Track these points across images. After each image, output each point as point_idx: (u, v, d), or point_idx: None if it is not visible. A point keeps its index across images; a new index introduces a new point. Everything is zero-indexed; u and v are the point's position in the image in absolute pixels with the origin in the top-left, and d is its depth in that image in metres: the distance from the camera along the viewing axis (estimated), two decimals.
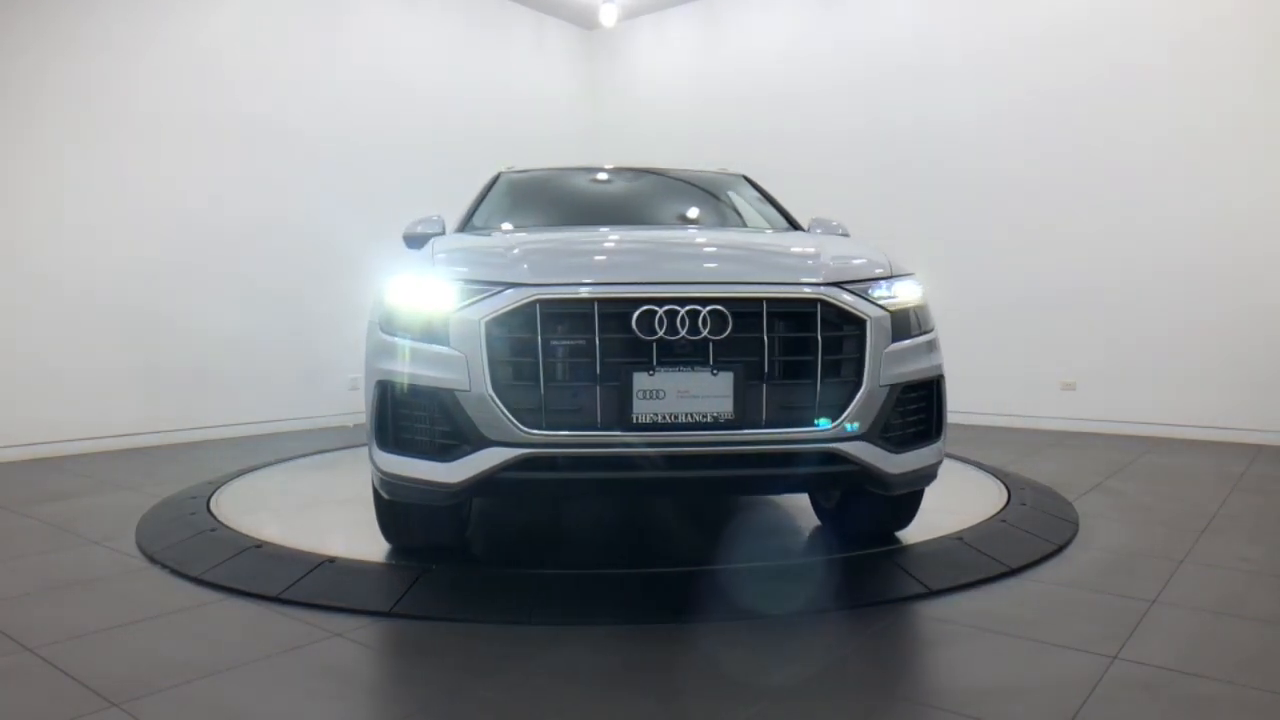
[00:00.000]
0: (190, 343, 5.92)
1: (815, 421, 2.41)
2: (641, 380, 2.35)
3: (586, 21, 8.92)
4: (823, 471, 2.47)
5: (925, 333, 2.72)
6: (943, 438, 2.74)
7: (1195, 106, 5.84)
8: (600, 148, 8.88)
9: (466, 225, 3.78)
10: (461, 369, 2.40)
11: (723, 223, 3.91)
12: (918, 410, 2.64)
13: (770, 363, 2.40)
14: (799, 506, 3.70)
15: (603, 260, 2.77)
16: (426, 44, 7.60)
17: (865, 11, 7.32)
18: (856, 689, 2.01)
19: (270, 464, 4.81)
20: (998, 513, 3.50)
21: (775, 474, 2.48)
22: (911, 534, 3.16)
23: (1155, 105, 5.99)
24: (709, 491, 2.86)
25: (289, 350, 6.47)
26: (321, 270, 6.59)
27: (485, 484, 2.41)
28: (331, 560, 2.91)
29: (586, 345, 2.38)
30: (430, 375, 2.44)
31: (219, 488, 4.09)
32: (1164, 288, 5.98)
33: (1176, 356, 5.94)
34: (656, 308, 2.36)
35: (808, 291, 2.46)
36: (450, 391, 2.40)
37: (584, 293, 2.41)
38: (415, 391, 2.47)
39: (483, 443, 2.38)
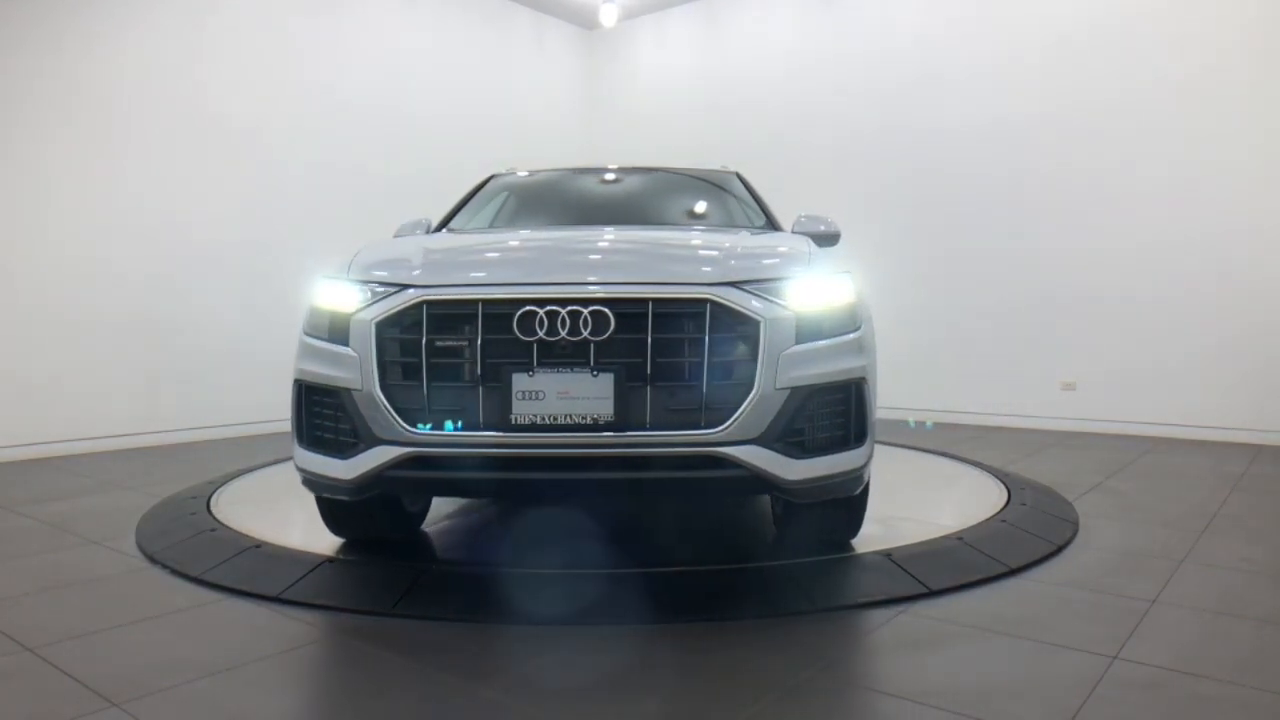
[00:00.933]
0: (190, 342, 5.92)
1: (701, 425, 2.34)
2: (521, 381, 2.35)
3: (586, 21, 8.92)
4: (710, 476, 2.38)
5: (848, 333, 2.58)
6: (866, 443, 2.60)
7: (1195, 107, 5.84)
8: (600, 147, 8.88)
9: (443, 226, 3.86)
10: (356, 369, 2.47)
11: (700, 221, 3.84)
12: (830, 415, 2.50)
13: (654, 364, 2.34)
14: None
15: (496, 262, 2.75)
16: (426, 44, 7.60)
17: (865, 11, 7.32)
18: (856, 688, 2.01)
19: (270, 464, 4.81)
20: (998, 513, 3.50)
21: (657, 478, 2.41)
22: (911, 534, 3.16)
23: (1156, 107, 5.99)
24: (591, 494, 2.78)
25: (289, 350, 6.42)
26: (321, 269, 6.57)
27: (375, 481, 2.46)
28: (331, 560, 2.91)
29: (469, 346, 2.40)
30: (332, 375, 2.54)
31: (219, 488, 4.09)
32: (1164, 288, 5.98)
33: (1176, 356, 5.94)
34: (538, 309, 2.36)
35: (696, 292, 2.38)
36: (347, 391, 2.48)
37: (468, 294, 2.44)
38: (322, 390, 2.58)
39: (373, 441, 2.43)
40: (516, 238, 3.18)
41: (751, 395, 2.34)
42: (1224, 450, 5.41)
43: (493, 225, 3.92)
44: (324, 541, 3.23)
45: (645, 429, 2.34)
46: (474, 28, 8.03)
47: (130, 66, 5.72)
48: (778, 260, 2.64)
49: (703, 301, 2.37)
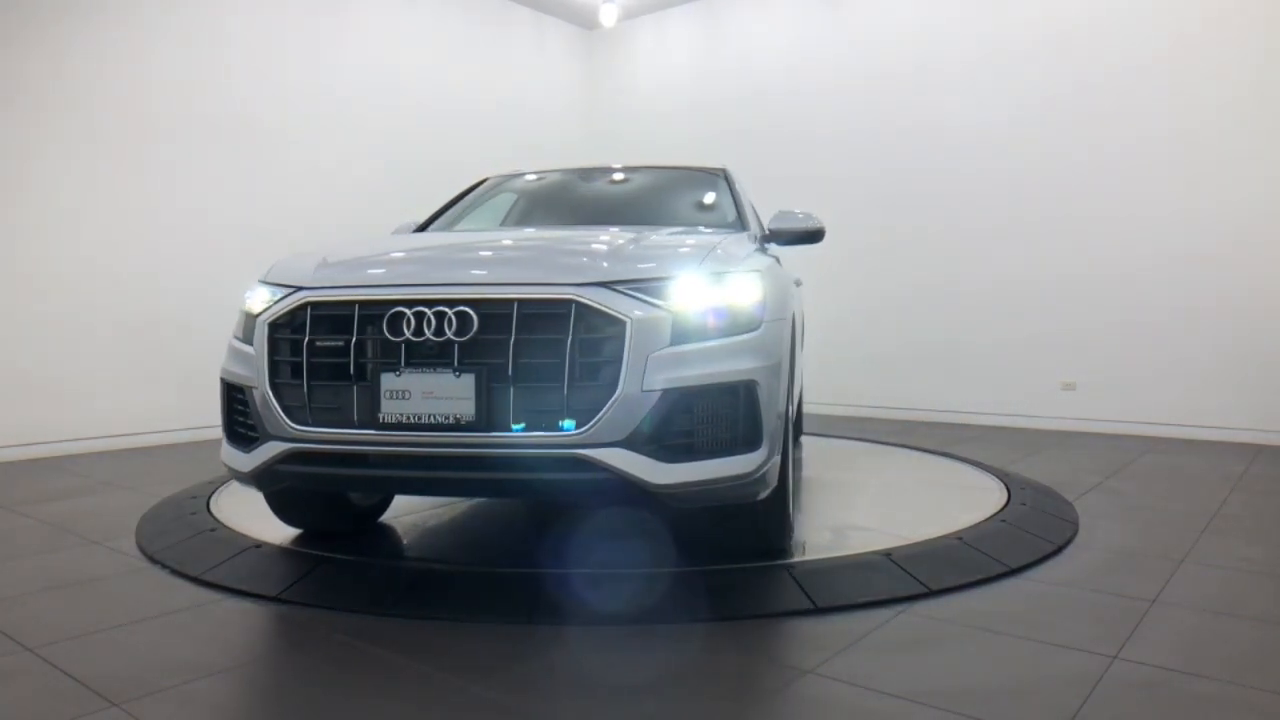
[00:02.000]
0: (190, 342, 5.91)
1: (563, 426, 2.31)
2: (389, 381, 2.40)
3: (586, 21, 8.92)
4: (572, 478, 2.35)
5: (741, 334, 2.49)
6: (760, 449, 2.47)
7: (1196, 107, 5.84)
8: (600, 147, 8.88)
9: (424, 228, 3.95)
10: (254, 367, 2.59)
11: (670, 219, 3.77)
12: (713, 418, 2.41)
13: (517, 365, 2.34)
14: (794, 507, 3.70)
15: (382, 265, 2.76)
16: (426, 44, 7.61)
17: (865, 11, 7.32)
18: (857, 688, 2.01)
19: None
20: (998, 513, 3.50)
21: (518, 478, 2.41)
22: (912, 534, 3.16)
23: (1156, 106, 5.99)
24: (458, 492, 2.80)
25: None
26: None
27: (267, 474, 2.58)
28: (331, 560, 2.91)
29: (344, 346, 2.46)
30: (240, 373, 2.68)
31: (219, 488, 4.09)
32: (1165, 288, 5.99)
33: (1176, 356, 5.95)
34: (406, 310, 2.40)
35: (560, 293, 2.36)
36: (250, 388, 2.61)
37: (345, 296, 2.51)
38: (235, 387, 2.72)
39: (266, 436, 2.56)
40: (419, 241, 3.15)
41: (614, 397, 2.30)
42: (1224, 450, 5.41)
43: (473, 226, 3.98)
44: (324, 542, 3.23)
45: (509, 430, 2.34)
46: (474, 28, 8.03)
47: (128, 67, 5.72)
48: (662, 260, 2.56)
49: (567, 302, 2.35)
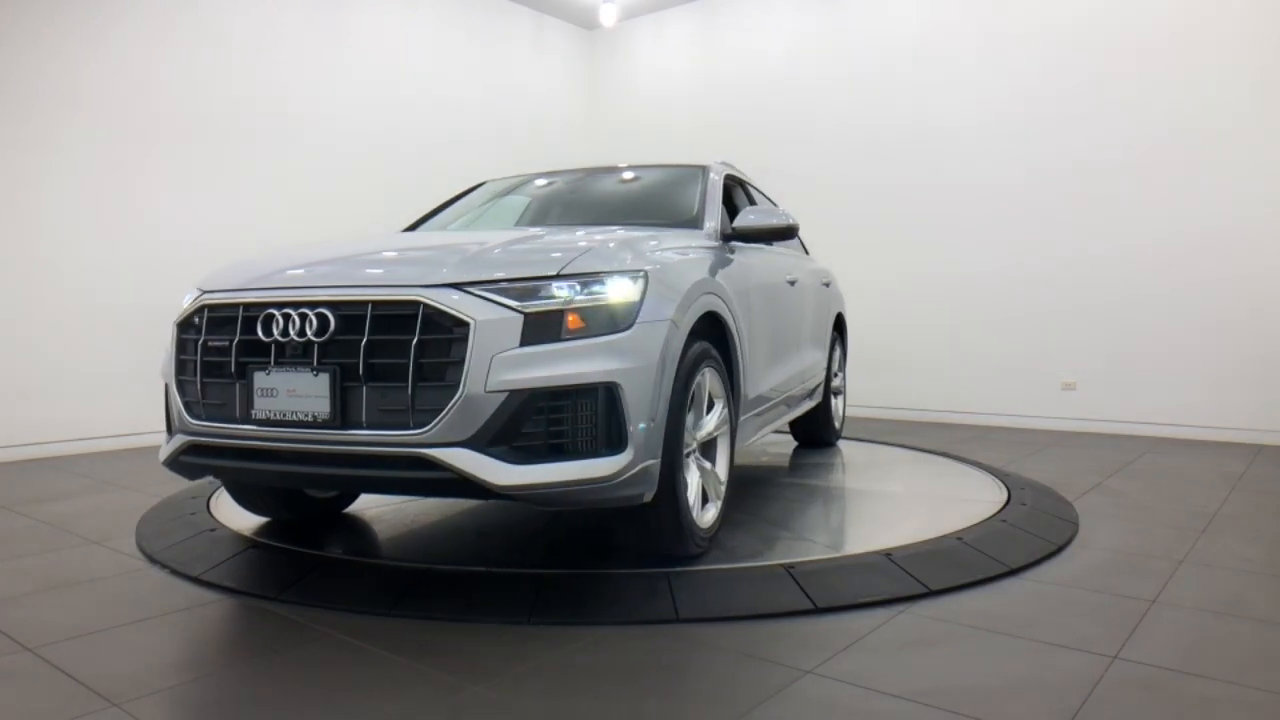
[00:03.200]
0: None
1: (410, 426, 2.35)
2: (260, 379, 2.52)
3: (586, 21, 8.92)
4: (418, 477, 2.40)
5: (606, 334, 2.46)
6: (623, 452, 2.42)
7: (1197, 108, 5.85)
8: (600, 147, 8.88)
9: (411, 229, 4.06)
10: (169, 364, 2.80)
11: (639, 218, 3.73)
12: (568, 420, 2.39)
13: (368, 365, 2.39)
14: (794, 506, 3.70)
15: (271, 268, 2.81)
16: (426, 44, 7.61)
17: (865, 11, 7.32)
18: (856, 688, 2.01)
19: None
20: (998, 513, 3.50)
21: (368, 475, 2.46)
22: (911, 534, 3.16)
23: (1158, 106, 5.99)
24: (320, 486, 2.92)
25: None
26: None
27: (173, 464, 2.78)
28: (331, 560, 2.91)
29: (228, 346, 2.60)
30: (162, 370, 2.89)
31: (219, 488, 4.09)
32: (1164, 288, 5.99)
33: (1176, 356, 5.95)
34: (276, 311, 2.52)
35: (408, 294, 2.40)
36: (165, 384, 2.84)
37: (230, 298, 2.65)
38: (166, 384, 2.88)
39: (174, 429, 2.77)
40: (314, 247, 3.19)
41: (456, 398, 2.32)
42: (1224, 450, 5.42)
43: (453, 226, 4.08)
44: (324, 542, 3.23)
45: (362, 428, 2.39)
46: (474, 28, 8.03)
47: (128, 67, 5.72)
48: (521, 261, 2.57)
49: (415, 304, 2.39)
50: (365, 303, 2.44)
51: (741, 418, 3.33)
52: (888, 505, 3.89)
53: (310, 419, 2.44)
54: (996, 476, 4.29)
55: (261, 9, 6.42)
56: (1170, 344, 5.97)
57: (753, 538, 3.18)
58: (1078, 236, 6.30)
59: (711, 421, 3.00)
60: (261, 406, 2.50)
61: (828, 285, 5.10)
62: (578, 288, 2.48)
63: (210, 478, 4.33)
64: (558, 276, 2.47)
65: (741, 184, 4.38)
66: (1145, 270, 6.05)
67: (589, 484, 2.39)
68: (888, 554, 2.90)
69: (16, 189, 5.27)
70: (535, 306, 2.41)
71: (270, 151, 6.45)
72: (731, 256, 3.43)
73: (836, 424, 5.39)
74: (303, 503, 3.43)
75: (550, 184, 4.32)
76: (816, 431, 5.22)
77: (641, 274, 2.61)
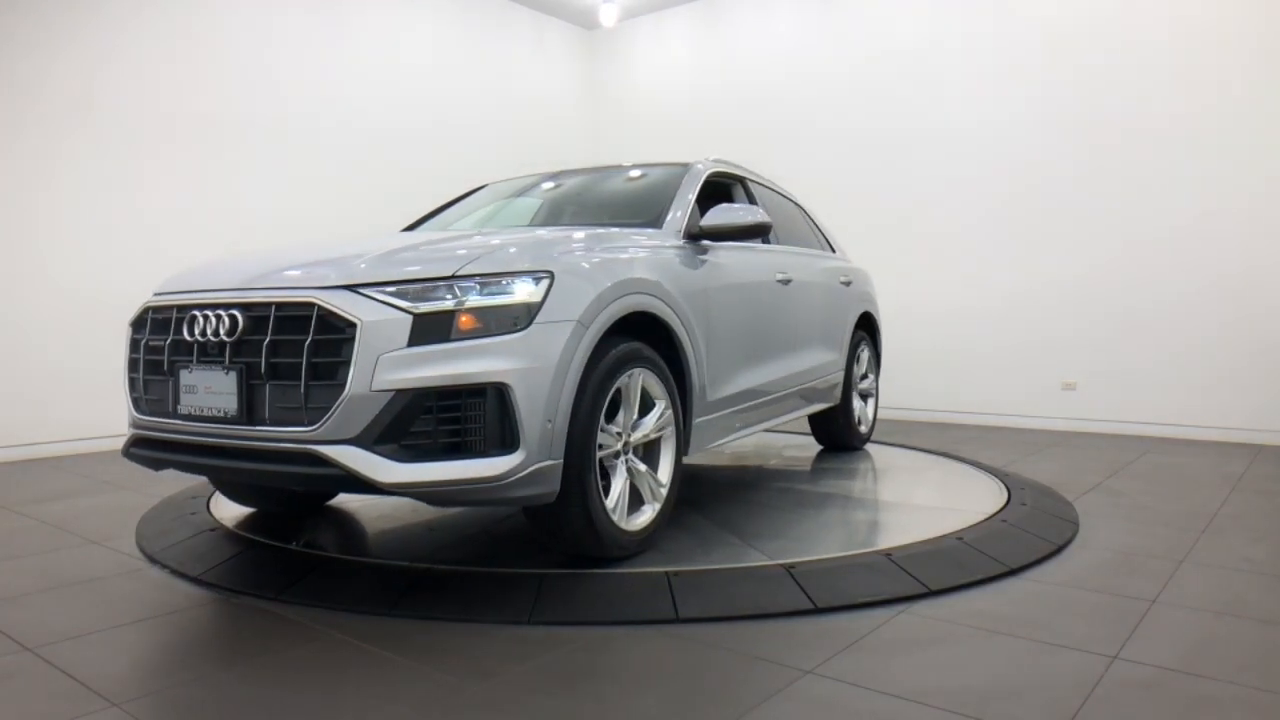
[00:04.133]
0: None
1: (304, 423, 2.42)
2: (185, 376, 2.66)
3: (586, 21, 8.92)
4: (310, 472, 2.45)
5: (498, 335, 2.46)
6: (516, 452, 2.43)
7: (1197, 108, 5.85)
8: (600, 148, 8.88)
9: (410, 229, 4.13)
10: (124, 362, 2.95)
11: (617, 217, 3.74)
12: (456, 419, 2.42)
13: (269, 364, 2.48)
14: (792, 505, 3.70)
15: (205, 270, 2.93)
16: (426, 44, 7.61)
17: (865, 11, 7.33)
18: (857, 688, 2.01)
19: None
20: (998, 513, 3.50)
21: (268, 469, 2.54)
22: (911, 534, 3.16)
23: (1157, 106, 5.99)
24: (231, 478, 3.05)
25: None
26: None
27: (127, 455, 2.91)
28: (331, 560, 2.91)
29: (163, 345, 2.75)
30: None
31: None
32: (1164, 288, 5.99)
33: (1176, 356, 5.95)
34: (198, 313, 2.65)
35: (303, 295, 2.48)
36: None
37: (166, 301, 2.81)
38: None
39: (130, 422, 2.91)
40: (251, 251, 3.31)
41: (342, 396, 2.36)
42: (1224, 450, 5.42)
43: (441, 227, 4.13)
44: (324, 542, 3.23)
45: (265, 424, 2.49)
46: (474, 28, 8.03)
47: (128, 68, 5.72)
48: (416, 262, 2.60)
49: (310, 305, 2.46)
50: (269, 304, 2.53)
51: (699, 419, 3.28)
52: (887, 505, 3.89)
53: (222, 415, 2.56)
54: (996, 476, 4.29)
55: (261, 9, 6.42)
56: (1170, 344, 5.97)
57: (751, 536, 3.18)
58: (1078, 237, 6.30)
59: (649, 423, 2.98)
60: (186, 402, 2.65)
61: (847, 284, 4.95)
62: (473, 289, 2.49)
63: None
64: (452, 278, 2.49)
65: (741, 180, 4.31)
66: (1145, 270, 6.04)
67: (478, 483, 2.41)
68: (888, 554, 2.90)
69: (16, 189, 5.27)
70: (426, 307, 2.43)
71: (269, 152, 6.45)
72: (692, 256, 3.37)
73: (863, 428, 5.22)
74: (285, 496, 3.57)
75: (540, 186, 4.35)
76: (836, 434, 5.08)
77: (546, 275, 2.60)
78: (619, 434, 2.86)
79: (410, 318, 2.40)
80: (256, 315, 2.54)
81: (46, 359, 5.34)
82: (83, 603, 2.66)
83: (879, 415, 5.67)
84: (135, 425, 2.86)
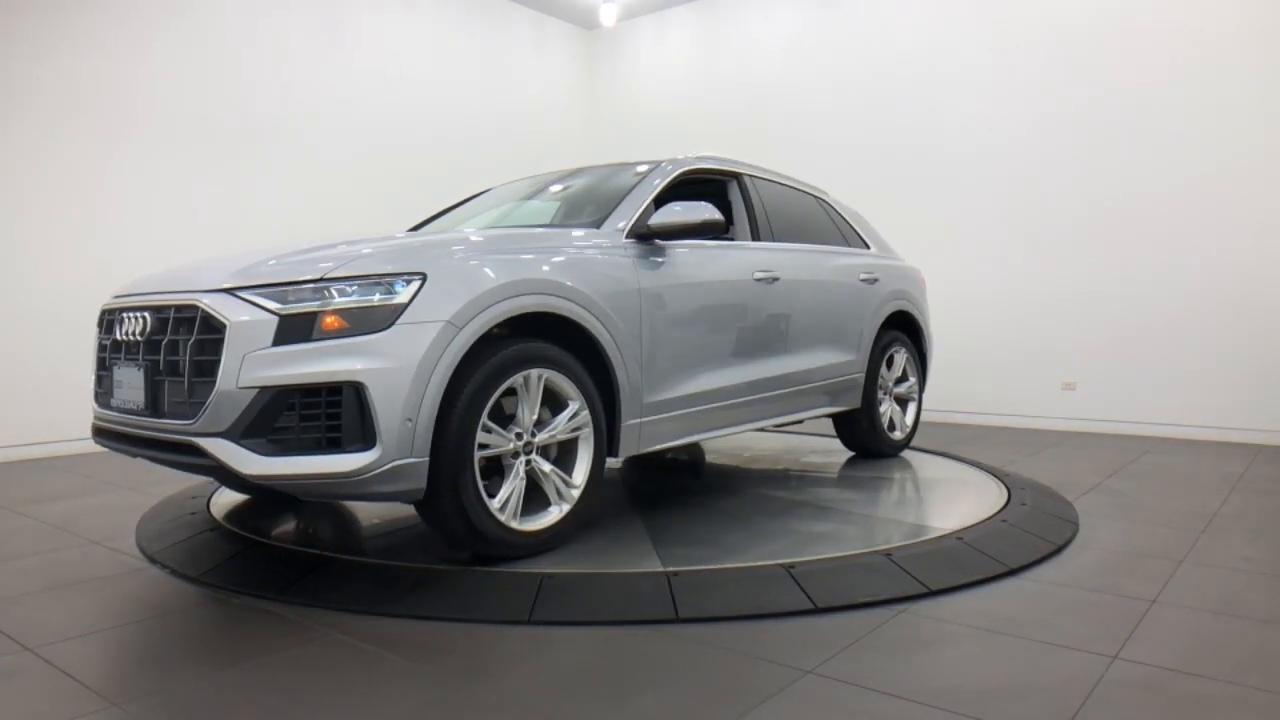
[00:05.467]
0: None
1: (187, 416, 2.61)
2: (116, 372, 2.93)
3: (586, 21, 8.92)
4: (194, 462, 2.64)
5: (359, 335, 2.52)
6: (373, 449, 2.49)
7: (1196, 108, 5.85)
8: (600, 147, 8.88)
9: (414, 229, 4.17)
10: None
11: (574, 217, 3.76)
12: (315, 416, 2.50)
13: (167, 361, 2.71)
14: (794, 505, 3.70)
15: (143, 275, 3.18)
16: (426, 45, 7.61)
17: (865, 11, 7.33)
18: (857, 688, 2.01)
19: None
20: (998, 513, 3.50)
21: (167, 458, 2.76)
22: (912, 534, 3.16)
23: (1157, 106, 5.99)
24: (155, 462, 3.13)
25: None
26: None
27: (94, 439, 3.13)
28: (331, 560, 2.91)
29: (106, 344, 3.04)
30: None
31: (219, 488, 4.09)
32: (1165, 288, 5.99)
33: (1176, 356, 5.95)
34: (125, 314, 2.92)
35: (190, 299, 2.67)
36: None
37: (112, 303, 3.07)
38: None
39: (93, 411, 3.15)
40: (198, 257, 3.57)
41: (214, 392, 2.52)
42: (1224, 450, 5.42)
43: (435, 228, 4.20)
44: (324, 541, 3.23)
45: (164, 417, 2.70)
46: (474, 28, 8.03)
47: (131, 68, 5.72)
48: (289, 265, 2.68)
49: (194, 307, 2.64)
50: (169, 306, 2.75)
51: (633, 421, 3.24)
52: (887, 505, 3.89)
53: (136, 407, 2.80)
54: (996, 476, 4.29)
55: (261, 10, 6.42)
56: (1170, 344, 5.97)
57: (751, 536, 3.18)
58: (1077, 238, 6.30)
59: (560, 423, 2.98)
60: (116, 395, 2.92)
61: (871, 281, 4.70)
62: (341, 291, 2.57)
63: (210, 480, 4.35)
64: (320, 280, 2.58)
65: (736, 176, 4.20)
66: (1145, 270, 6.04)
67: (336, 478, 2.51)
68: (888, 554, 2.90)
69: (15, 190, 5.27)
70: (291, 309, 2.54)
71: (268, 152, 6.45)
72: (633, 255, 3.31)
73: (897, 434, 4.94)
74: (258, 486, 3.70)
75: (525, 187, 4.38)
76: (861, 440, 4.81)
77: (417, 277, 2.64)
78: (519, 434, 2.87)
79: (276, 319, 2.52)
80: (161, 317, 2.76)
81: (46, 359, 5.34)
82: (83, 603, 2.66)
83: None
84: (94, 414, 3.14)
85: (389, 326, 2.55)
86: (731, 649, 2.26)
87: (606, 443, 3.18)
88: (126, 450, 2.94)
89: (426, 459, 2.59)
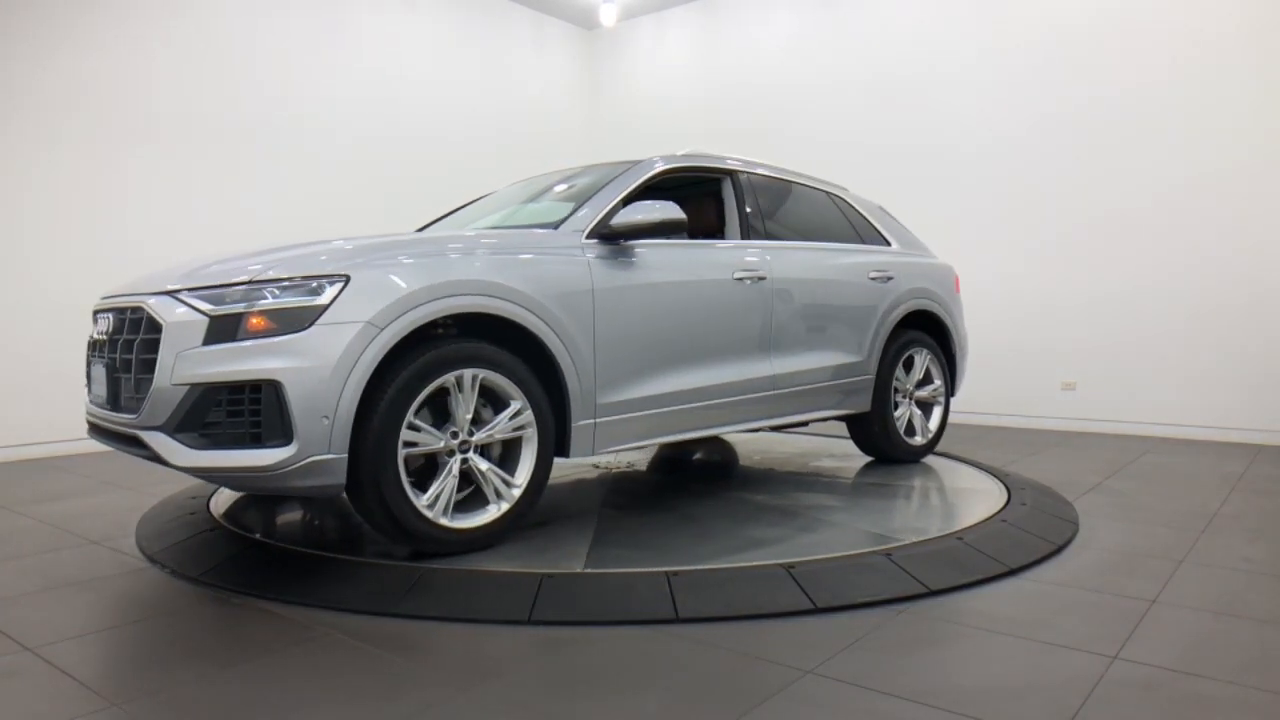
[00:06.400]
0: None
1: (134, 410, 2.77)
2: (91, 369, 3.15)
3: (586, 21, 8.92)
4: (140, 453, 2.79)
5: (281, 334, 2.60)
6: (290, 445, 2.56)
7: (1196, 109, 5.85)
8: (600, 147, 8.87)
9: (422, 230, 4.23)
10: None
11: (542, 219, 3.70)
12: (235, 412, 2.60)
13: (122, 359, 2.88)
14: (794, 506, 3.70)
15: (125, 280, 3.29)
16: (425, 44, 7.61)
17: (865, 11, 7.33)
18: (857, 688, 2.01)
19: None
20: (998, 513, 3.50)
21: (124, 449, 2.91)
22: (912, 534, 3.16)
23: (1157, 106, 5.99)
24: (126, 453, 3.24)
25: None
26: None
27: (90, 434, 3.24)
28: (331, 560, 2.91)
29: (90, 342, 3.22)
30: None
31: (218, 488, 4.09)
32: (1164, 287, 5.99)
33: (1176, 356, 5.95)
34: (99, 315, 3.12)
35: (135, 301, 2.84)
36: None
37: (97, 305, 3.20)
38: None
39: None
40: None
41: (152, 388, 2.68)
42: (1224, 450, 5.42)
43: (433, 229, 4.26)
44: (324, 541, 3.23)
45: (120, 410, 2.87)
46: (474, 28, 8.03)
47: (131, 68, 5.72)
48: (225, 269, 2.81)
49: (140, 308, 2.81)
50: (125, 308, 2.92)
51: (585, 421, 3.21)
52: (887, 505, 3.88)
53: (103, 401, 2.99)
54: (996, 476, 4.29)
55: (261, 9, 6.42)
56: (1171, 344, 5.97)
57: (753, 537, 3.18)
58: (1077, 237, 6.30)
59: (500, 423, 2.98)
60: (92, 390, 3.13)
61: (884, 280, 4.51)
62: (268, 293, 2.67)
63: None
64: (249, 283, 2.69)
65: (730, 174, 4.14)
66: (1145, 270, 6.04)
67: (255, 471, 2.62)
68: (888, 554, 2.90)
69: (16, 189, 5.27)
70: (220, 310, 2.67)
71: (268, 153, 6.45)
72: (589, 256, 3.29)
73: (917, 439, 4.72)
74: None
75: (516, 189, 4.38)
76: (874, 444, 4.64)
77: (340, 278, 2.70)
78: (454, 432, 2.89)
79: (207, 319, 2.66)
80: (121, 318, 2.94)
81: (46, 359, 5.33)
82: (83, 603, 2.66)
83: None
84: (86, 409, 3.28)
85: (309, 327, 2.64)
86: (731, 649, 2.26)
87: (556, 443, 3.18)
88: (101, 441, 3.09)
89: (345, 455, 2.65)
